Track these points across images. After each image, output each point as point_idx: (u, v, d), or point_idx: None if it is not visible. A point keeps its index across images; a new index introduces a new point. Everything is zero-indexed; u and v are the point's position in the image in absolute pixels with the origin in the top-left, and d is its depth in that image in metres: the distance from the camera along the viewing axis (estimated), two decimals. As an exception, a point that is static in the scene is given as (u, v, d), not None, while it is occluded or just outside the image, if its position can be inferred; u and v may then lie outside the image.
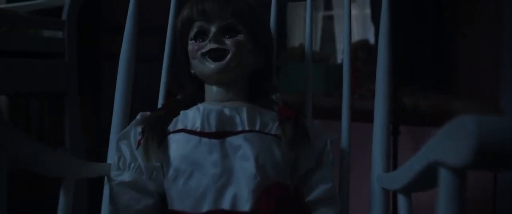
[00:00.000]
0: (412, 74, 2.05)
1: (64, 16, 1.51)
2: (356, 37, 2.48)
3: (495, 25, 1.81)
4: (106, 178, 0.75)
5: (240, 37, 0.74)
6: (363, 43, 2.19)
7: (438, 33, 1.98)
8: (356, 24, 2.76)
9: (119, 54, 0.91)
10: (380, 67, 0.83)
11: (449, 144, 0.40)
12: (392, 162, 1.60)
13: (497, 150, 0.36)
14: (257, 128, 0.71)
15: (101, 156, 0.85)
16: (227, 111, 0.71)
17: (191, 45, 0.76)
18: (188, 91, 0.82)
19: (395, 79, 1.64)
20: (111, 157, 0.78)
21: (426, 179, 0.49)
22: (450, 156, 0.40)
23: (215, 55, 0.73)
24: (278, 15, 0.93)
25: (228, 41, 0.73)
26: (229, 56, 0.73)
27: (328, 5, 2.78)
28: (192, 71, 0.79)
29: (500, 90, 1.73)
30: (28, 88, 1.48)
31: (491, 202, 1.67)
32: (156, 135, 0.70)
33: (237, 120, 0.70)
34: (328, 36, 2.87)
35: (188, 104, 0.77)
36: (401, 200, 0.65)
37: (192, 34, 0.76)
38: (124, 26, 0.95)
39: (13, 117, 1.49)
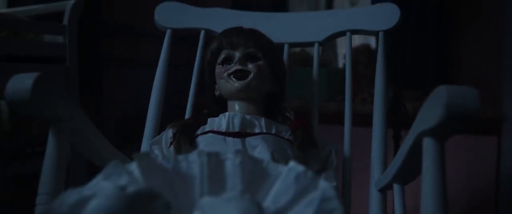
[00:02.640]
0: (414, 79, 2.04)
1: (65, 21, 1.51)
2: (357, 41, 2.48)
3: (496, 29, 1.80)
4: None
5: (260, 63, 0.88)
6: (364, 48, 2.18)
7: (440, 38, 1.98)
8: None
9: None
10: (378, 78, 0.94)
11: (428, 112, 0.49)
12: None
13: (463, 111, 0.46)
14: (272, 131, 0.82)
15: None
16: (248, 117, 0.83)
17: (219, 69, 0.89)
18: (213, 107, 0.94)
19: (397, 84, 1.64)
20: None
21: (416, 161, 0.55)
22: (428, 121, 0.49)
23: (239, 75, 0.85)
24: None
25: (250, 65, 0.87)
26: (250, 76, 0.85)
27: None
28: (217, 92, 0.92)
29: (502, 94, 1.72)
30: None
31: (493, 200, 1.67)
32: (187, 135, 0.81)
33: (256, 124, 0.82)
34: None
35: (214, 116, 0.86)
36: (396, 189, 0.71)
37: (220, 60, 0.89)
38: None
39: (13, 121, 1.49)
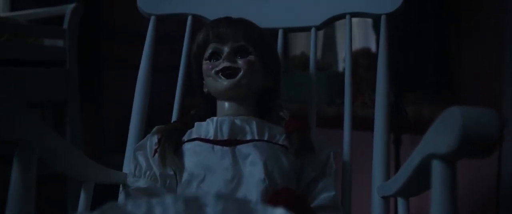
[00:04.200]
0: (415, 83, 2.04)
1: (65, 25, 1.51)
2: (357, 44, 2.48)
3: (498, 32, 1.80)
4: (121, 186, 0.80)
5: (251, 57, 0.81)
6: (365, 51, 2.19)
7: (441, 41, 1.98)
8: (357, 31, 2.76)
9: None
10: (380, 81, 0.88)
11: (439, 135, 0.44)
12: (394, 171, 1.60)
13: (481, 136, 0.40)
14: (265, 137, 0.76)
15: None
16: (238, 122, 0.76)
17: (206, 65, 0.82)
18: (201, 107, 0.87)
19: (398, 88, 1.64)
20: (127, 166, 0.84)
21: (422, 178, 0.52)
22: (440, 146, 0.43)
23: (228, 73, 0.79)
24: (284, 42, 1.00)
25: (239, 61, 0.80)
26: (240, 74, 0.79)
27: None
28: (205, 90, 0.85)
29: (503, 98, 1.72)
30: (29, 97, 1.47)
31: (494, 204, 1.66)
32: (172, 143, 0.75)
33: (247, 129, 0.76)
34: (330, 44, 2.86)
35: (201, 119, 0.81)
36: (400, 203, 0.68)
37: (207, 54, 0.82)
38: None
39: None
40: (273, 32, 0.98)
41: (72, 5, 1.52)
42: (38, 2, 1.78)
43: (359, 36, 2.75)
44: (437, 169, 0.46)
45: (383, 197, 0.79)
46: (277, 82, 0.87)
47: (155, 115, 0.97)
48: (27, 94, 1.42)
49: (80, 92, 1.56)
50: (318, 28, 0.97)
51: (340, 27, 2.90)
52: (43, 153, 0.58)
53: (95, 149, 2.05)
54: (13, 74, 1.35)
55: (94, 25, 2.06)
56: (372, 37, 2.52)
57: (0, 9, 1.95)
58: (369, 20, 2.66)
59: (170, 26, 1.05)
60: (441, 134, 0.43)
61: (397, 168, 1.61)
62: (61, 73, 1.49)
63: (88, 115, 1.84)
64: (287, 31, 1.00)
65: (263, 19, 0.90)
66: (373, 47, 2.35)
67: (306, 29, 0.98)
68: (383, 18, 0.91)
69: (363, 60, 2.10)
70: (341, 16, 0.95)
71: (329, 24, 0.98)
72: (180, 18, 1.01)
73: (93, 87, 2.08)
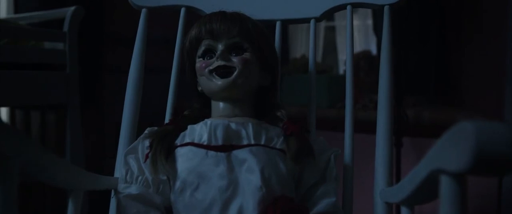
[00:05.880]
0: (416, 86, 2.04)
1: (65, 28, 1.51)
2: (358, 48, 2.48)
3: (499, 35, 1.80)
4: (113, 191, 0.76)
5: (246, 55, 0.77)
6: (365, 54, 2.19)
7: (442, 45, 1.98)
8: (358, 35, 2.77)
9: (121, 66, 0.91)
10: (383, 77, 0.85)
11: (449, 150, 0.40)
12: (395, 173, 1.60)
13: (496, 154, 0.36)
14: (262, 142, 0.72)
15: (103, 169, 0.84)
16: (233, 125, 0.72)
17: (199, 63, 0.78)
18: (195, 107, 0.83)
19: (399, 91, 1.64)
20: (119, 170, 0.79)
21: (429, 189, 0.49)
22: (450, 163, 0.40)
23: (222, 72, 0.75)
24: (282, 35, 0.96)
25: (234, 59, 0.76)
26: (235, 73, 0.75)
27: (330, 16, 2.78)
28: (199, 88, 0.81)
29: (503, 101, 1.72)
30: (29, 101, 1.47)
31: (496, 208, 1.66)
32: (164, 148, 0.71)
33: (243, 133, 0.72)
34: (330, 47, 2.87)
35: (195, 120, 0.77)
36: (404, 212, 0.66)
37: (200, 52, 0.78)
38: (125, 38, 0.96)
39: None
40: (271, 24, 0.94)
41: (73, 8, 1.52)
42: (42, 6, 1.78)
43: (359, 39, 2.76)
44: (446, 185, 0.42)
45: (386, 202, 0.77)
46: (275, 80, 0.83)
47: (152, 117, 0.96)
48: (28, 97, 1.42)
49: (80, 96, 1.55)
50: (317, 19, 0.92)
51: (340, 31, 2.91)
52: (24, 166, 0.55)
53: (96, 152, 2.05)
54: (14, 78, 1.35)
55: (95, 29, 2.06)
56: (373, 40, 2.53)
57: (3, 12, 1.95)
58: (370, 23, 2.67)
59: (168, 26, 1.03)
60: (451, 149, 0.40)
61: (398, 171, 1.61)
62: (62, 76, 1.49)
63: (89, 118, 1.84)
64: (285, 23, 0.95)
65: (260, 11, 0.87)
66: (373, 51, 2.36)
67: (305, 20, 0.93)
68: (386, 9, 0.87)
69: (364, 63, 2.10)
70: (342, 7, 0.91)
71: (329, 16, 0.94)
72: (173, 11, 0.96)
73: (94, 90, 2.08)
